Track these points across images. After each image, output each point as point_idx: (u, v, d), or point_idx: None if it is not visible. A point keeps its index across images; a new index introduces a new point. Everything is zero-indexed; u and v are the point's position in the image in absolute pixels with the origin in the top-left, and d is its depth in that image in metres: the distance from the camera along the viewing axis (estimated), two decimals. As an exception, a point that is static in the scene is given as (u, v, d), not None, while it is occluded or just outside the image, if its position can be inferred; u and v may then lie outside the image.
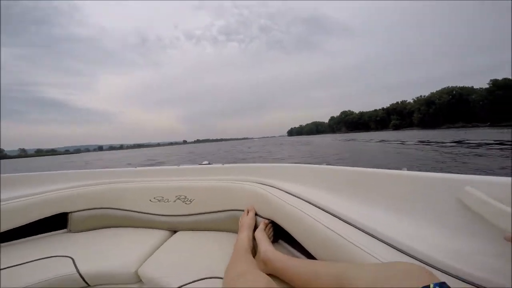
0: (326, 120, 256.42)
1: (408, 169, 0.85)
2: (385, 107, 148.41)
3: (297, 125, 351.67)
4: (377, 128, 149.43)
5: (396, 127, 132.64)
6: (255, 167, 1.51)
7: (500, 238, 0.50)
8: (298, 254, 0.97)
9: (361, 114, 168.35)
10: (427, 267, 0.53)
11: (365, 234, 0.69)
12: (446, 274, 0.52)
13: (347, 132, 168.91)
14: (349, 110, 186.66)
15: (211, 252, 1.11)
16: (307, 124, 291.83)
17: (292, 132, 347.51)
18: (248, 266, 0.76)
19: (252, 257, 0.88)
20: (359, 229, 0.72)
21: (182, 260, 1.05)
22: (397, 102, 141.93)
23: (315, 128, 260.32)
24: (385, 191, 0.84)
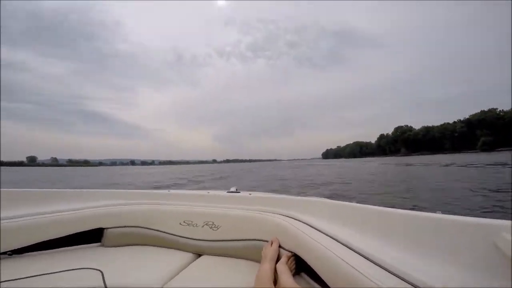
0: (372, 140, 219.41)
1: (442, 213, 0.82)
2: (463, 118, 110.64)
3: (333, 146, 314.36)
4: (454, 148, 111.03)
5: (488, 147, 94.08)
6: (281, 198, 1.58)
7: None
8: None
9: (427, 129, 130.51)
10: None
11: (392, 276, 0.66)
12: None
13: (407, 155, 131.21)
14: (406, 125, 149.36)
15: (232, 279, 1.13)
16: (348, 145, 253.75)
17: (328, 154, 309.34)
18: None
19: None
20: (385, 269, 0.69)
21: (204, 284, 1.09)
22: (483, 111, 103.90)
23: (358, 150, 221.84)
24: (416, 233, 0.81)
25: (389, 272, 0.68)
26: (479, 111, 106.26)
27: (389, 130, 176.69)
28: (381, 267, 0.71)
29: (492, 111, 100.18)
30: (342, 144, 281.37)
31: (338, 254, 0.82)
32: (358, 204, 1.15)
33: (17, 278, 1.02)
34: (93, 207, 1.60)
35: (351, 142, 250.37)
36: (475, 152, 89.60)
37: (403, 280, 0.63)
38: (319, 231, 1.07)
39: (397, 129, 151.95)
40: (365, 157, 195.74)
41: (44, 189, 1.71)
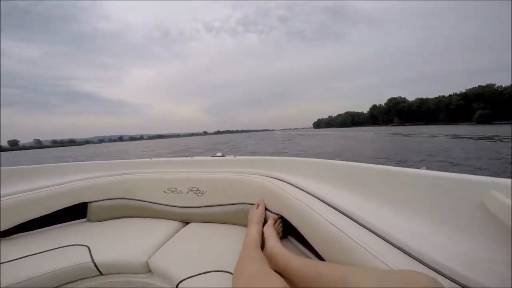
0: (363, 111, 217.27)
1: (427, 169, 0.78)
2: (460, 92, 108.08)
3: (325, 116, 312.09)
4: (448, 120, 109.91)
5: (486, 119, 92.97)
6: (267, 160, 1.52)
7: None
8: (306, 251, 0.96)
9: (421, 101, 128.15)
10: (438, 275, 0.50)
11: (376, 237, 0.65)
12: (458, 284, 0.48)
13: (401, 125, 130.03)
14: (400, 97, 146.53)
15: (220, 245, 1.12)
16: (340, 115, 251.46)
17: (320, 124, 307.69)
18: (260, 265, 0.73)
19: (262, 254, 0.85)
20: (370, 230, 0.68)
21: (191, 252, 1.07)
22: (481, 86, 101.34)
23: (350, 120, 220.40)
24: (402, 190, 0.79)
25: (373, 233, 0.67)
26: (476, 86, 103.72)
27: (380, 101, 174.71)
28: (365, 228, 0.69)
29: (490, 86, 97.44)
30: (334, 114, 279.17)
31: (325, 216, 0.79)
32: (342, 162, 1.12)
33: (4, 261, 1.01)
34: (74, 180, 1.53)
35: (343, 112, 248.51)
36: (471, 124, 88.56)
37: (387, 242, 0.62)
38: (306, 191, 1.05)
39: (390, 100, 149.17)
40: (357, 126, 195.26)
41: (20, 166, 1.63)
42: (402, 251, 0.58)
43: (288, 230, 1.10)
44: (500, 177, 0.60)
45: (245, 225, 1.20)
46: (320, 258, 0.80)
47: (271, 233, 1.00)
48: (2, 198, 1.27)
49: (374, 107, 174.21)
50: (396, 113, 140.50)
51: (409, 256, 0.56)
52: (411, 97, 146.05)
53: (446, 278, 0.49)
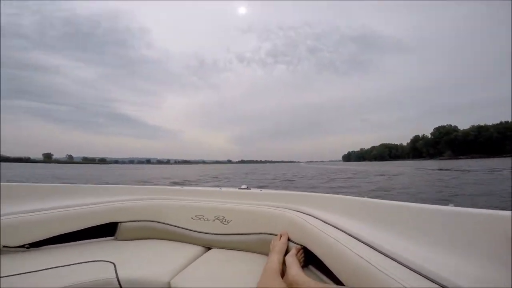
0: (399, 143, 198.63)
1: (455, 205, 0.79)
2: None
3: (356, 149, 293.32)
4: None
5: None
6: (291, 194, 1.63)
7: None
8: (328, 280, 0.97)
9: (479, 128, 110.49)
10: None
11: (403, 267, 0.64)
12: None
13: (453, 158, 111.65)
14: (450, 125, 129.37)
15: (241, 271, 1.16)
16: (374, 147, 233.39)
17: (350, 156, 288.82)
18: (278, 287, 0.77)
19: (282, 281, 0.88)
20: (396, 261, 0.68)
21: (213, 276, 1.11)
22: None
23: (387, 152, 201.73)
24: (428, 226, 0.79)
25: (400, 263, 0.67)
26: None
27: (418, 133, 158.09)
28: (392, 259, 0.69)
29: None
30: (366, 147, 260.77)
31: (347, 246, 0.82)
32: (368, 199, 1.16)
33: (33, 270, 1.05)
34: (108, 202, 1.64)
35: (377, 145, 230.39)
36: None
37: (415, 272, 0.62)
38: (329, 224, 1.08)
39: (438, 129, 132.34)
40: (395, 160, 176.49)
41: (59, 184, 1.78)
42: (427, 278, 0.58)
43: (310, 261, 1.12)
44: None
45: (267, 254, 1.23)
46: (342, 285, 0.81)
47: (293, 261, 1.02)
48: (40, 212, 1.37)
49: (416, 138, 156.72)
50: (447, 144, 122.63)
51: (434, 282, 0.56)
52: (461, 126, 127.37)
53: None
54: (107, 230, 1.57)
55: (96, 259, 1.20)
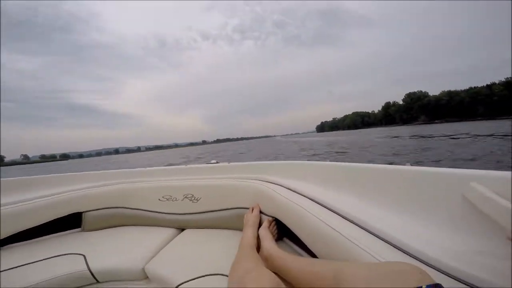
0: (371, 110, 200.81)
1: (412, 165, 0.84)
2: (500, 81, 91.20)
3: (329, 119, 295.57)
4: (489, 115, 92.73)
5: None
6: (260, 164, 1.56)
7: (503, 238, 0.48)
8: (301, 252, 0.99)
9: (450, 93, 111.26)
10: (425, 266, 0.52)
11: (366, 232, 0.69)
12: (445, 274, 0.50)
13: (428, 122, 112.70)
14: (420, 91, 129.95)
15: (216, 249, 1.14)
16: (347, 116, 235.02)
17: (324, 127, 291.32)
18: (255, 263, 0.76)
19: (257, 254, 0.88)
20: (360, 226, 0.72)
21: (188, 257, 1.09)
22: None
23: (360, 120, 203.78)
24: (388, 187, 0.84)
25: (363, 229, 0.70)
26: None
27: (384, 102, 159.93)
28: (360, 227, 0.72)
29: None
30: (339, 116, 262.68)
31: (316, 215, 0.83)
32: (333, 163, 1.16)
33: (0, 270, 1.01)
34: (68, 191, 1.54)
35: (350, 113, 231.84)
36: None
37: (376, 237, 0.65)
38: (299, 193, 1.08)
39: (409, 95, 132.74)
40: (368, 127, 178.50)
41: (17, 178, 1.66)
42: (391, 244, 0.62)
43: (283, 232, 1.12)
44: (479, 169, 0.63)
45: (241, 229, 1.21)
46: (314, 257, 0.82)
47: (266, 235, 1.02)
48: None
49: (388, 105, 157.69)
50: (420, 109, 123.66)
51: (397, 249, 0.60)
52: (430, 92, 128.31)
53: (432, 268, 0.52)
54: (73, 221, 1.49)
55: (64, 253, 1.16)
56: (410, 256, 0.57)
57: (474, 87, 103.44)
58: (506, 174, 0.56)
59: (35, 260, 1.10)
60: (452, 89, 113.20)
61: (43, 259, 1.11)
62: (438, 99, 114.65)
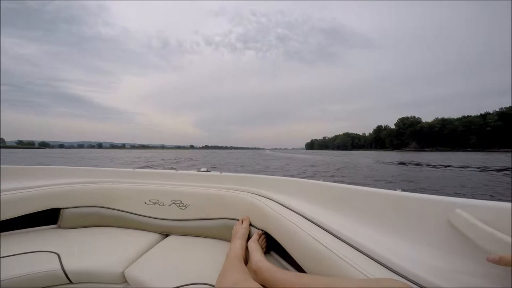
0: (361, 133, 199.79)
1: (402, 190, 0.87)
2: (495, 111, 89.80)
3: (319, 137, 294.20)
4: (482, 146, 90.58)
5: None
6: (252, 177, 1.54)
7: (483, 259, 0.52)
8: (289, 266, 0.98)
9: (443, 121, 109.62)
10: (412, 284, 0.55)
11: (355, 250, 0.71)
12: None
13: (419, 150, 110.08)
14: (413, 117, 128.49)
15: (202, 258, 1.11)
16: (337, 136, 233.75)
17: (313, 145, 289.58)
18: (242, 275, 0.76)
19: (245, 266, 0.88)
20: (349, 244, 0.74)
21: (171, 264, 1.05)
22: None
23: (350, 141, 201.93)
24: (378, 209, 0.87)
25: (351, 246, 0.72)
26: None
27: (377, 124, 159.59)
28: (349, 245, 0.74)
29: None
30: (329, 136, 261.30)
31: (307, 231, 0.83)
32: (326, 182, 1.17)
33: None
34: (48, 185, 1.46)
35: (341, 133, 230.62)
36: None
37: (365, 255, 0.68)
38: (289, 209, 1.08)
39: (402, 120, 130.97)
40: (358, 149, 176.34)
41: None
42: (378, 262, 0.65)
43: (271, 246, 1.12)
44: (463, 197, 0.69)
45: (229, 240, 1.20)
46: (302, 272, 0.83)
47: (255, 247, 1.02)
48: None
49: (379, 129, 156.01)
50: (412, 135, 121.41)
51: (386, 268, 0.62)
52: (424, 119, 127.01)
53: (417, 285, 0.55)
54: (47, 217, 1.41)
55: (37, 250, 1.10)
56: (398, 274, 0.59)
57: (468, 115, 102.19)
58: (488, 203, 0.62)
59: (6, 255, 1.04)
60: (446, 116, 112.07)
61: (15, 254, 1.06)
62: (431, 126, 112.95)
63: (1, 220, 1.26)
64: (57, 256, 1.05)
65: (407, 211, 0.78)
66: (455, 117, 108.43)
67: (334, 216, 0.95)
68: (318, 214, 0.96)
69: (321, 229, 0.86)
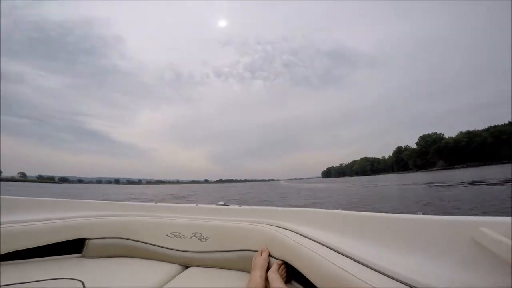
0: (379, 156, 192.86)
1: (423, 213, 0.87)
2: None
3: (335, 164, 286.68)
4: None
5: None
6: (269, 210, 1.58)
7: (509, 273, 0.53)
8: None
9: (470, 134, 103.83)
10: None
11: (379, 274, 0.70)
12: None
13: (448, 168, 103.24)
14: (435, 133, 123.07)
15: None
16: (355, 161, 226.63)
17: (330, 173, 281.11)
18: None
19: None
20: (373, 269, 0.73)
21: None
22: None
23: (369, 166, 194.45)
24: (401, 234, 0.86)
25: (379, 272, 0.71)
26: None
27: (395, 145, 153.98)
28: (371, 269, 0.74)
29: None
30: (346, 162, 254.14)
31: (328, 259, 0.84)
32: (342, 211, 1.19)
33: None
34: (75, 217, 1.55)
35: (358, 159, 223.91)
36: None
37: (394, 280, 0.66)
38: (309, 238, 1.09)
39: (423, 137, 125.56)
40: (378, 174, 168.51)
41: (21, 197, 1.64)
42: (402, 282, 0.64)
43: (292, 276, 1.13)
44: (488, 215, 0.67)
45: (248, 271, 1.23)
46: None
47: (275, 277, 1.02)
48: (1, 225, 1.27)
49: (399, 150, 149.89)
50: (437, 153, 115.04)
51: (407, 286, 0.62)
52: (445, 134, 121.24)
53: None
54: (73, 247, 1.48)
55: (63, 277, 1.13)
56: None
57: (495, 125, 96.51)
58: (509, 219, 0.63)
59: (32, 280, 1.07)
60: (471, 129, 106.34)
61: (40, 280, 1.08)
62: (457, 141, 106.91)
63: (32, 247, 1.31)
64: (81, 284, 1.07)
65: (429, 233, 0.78)
66: (481, 128, 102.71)
67: (357, 243, 0.95)
68: (337, 241, 0.97)
69: (340, 255, 0.87)
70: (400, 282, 0.64)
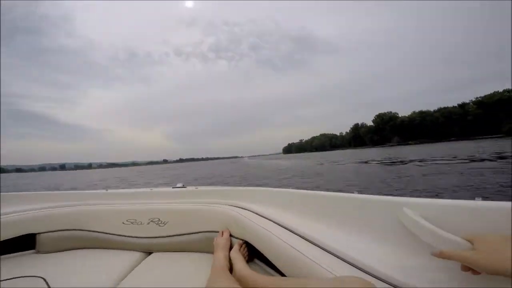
0: (339, 132, 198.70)
1: (358, 192, 0.95)
2: (472, 100, 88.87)
3: (296, 140, 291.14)
4: (464, 134, 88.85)
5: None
6: (227, 190, 1.59)
7: (428, 254, 0.56)
8: (271, 271, 1.04)
9: (422, 113, 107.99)
10: (374, 279, 0.62)
11: (323, 251, 0.78)
12: (384, 282, 0.60)
13: (402, 143, 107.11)
14: (390, 112, 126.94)
15: (188, 272, 1.14)
16: (314, 137, 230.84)
17: (291, 149, 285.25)
18: (230, 284, 0.81)
19: (231, 275, 0.93)
20: (318, 246, 0.81)
21: (158, 281, 1.06)
22: (502, 91, 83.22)
23: (328, 142, 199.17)
24: (340, 211, 0.95)
25: (323, 249, 0.80)
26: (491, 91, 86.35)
27: (350, 125, 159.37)
28: (317, 246, 0.82)
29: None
30: (306, 138, 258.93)
31: (283, 239, 0.90)
32: (295, 190, 1.26)
33: None
34: (22, 211, 1.44)
35: (318, 135, 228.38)
36: (500, 137, 67.25)
37: (337, 257, 0.74)
38: (266, 218, 1.14)
39: (379, 115, 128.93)
40: (336, 149, 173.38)
41: None
42: (344, 261, 0.72)
43: (254, 254, 1.18)
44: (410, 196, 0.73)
45: (210, 252, 1.24)
46: (283, 276, 0.88)
47: (237, 257, 1.07)
48: None
49: (356, 127, 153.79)
50: (393, 130, 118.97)
51: (350, 264, 0.70)
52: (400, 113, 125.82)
53: (379, 279, 0.62)
54: (25, 243, 1.40)
55: (20, 275, 1.08)
56: (361, 270, 0.66)
57: (445, 107, 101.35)
58: (432, 201, 0.69)
59: None
60: (423, 109, 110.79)
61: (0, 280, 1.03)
62: (411, 119, 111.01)
63: None
64: (43, 281, 1.04)
65: (364, 211, 0.86)
66: (432, 109, 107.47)
67: (304, 220, 1.03)
68: (290, 220, 1.03)
69: (293, 234, 0.93)
70: (340, 259, 0.72)
